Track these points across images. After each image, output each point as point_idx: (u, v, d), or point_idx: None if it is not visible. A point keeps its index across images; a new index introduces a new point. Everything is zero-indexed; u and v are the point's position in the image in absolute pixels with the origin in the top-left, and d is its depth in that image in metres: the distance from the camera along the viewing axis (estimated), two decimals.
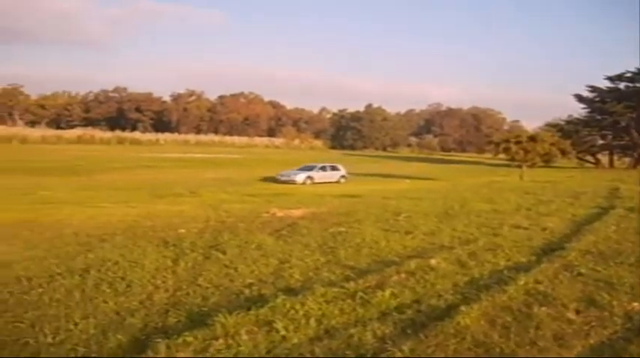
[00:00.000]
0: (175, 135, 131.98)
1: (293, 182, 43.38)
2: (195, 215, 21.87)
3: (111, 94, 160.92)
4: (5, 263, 12.67)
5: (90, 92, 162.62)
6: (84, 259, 12.42)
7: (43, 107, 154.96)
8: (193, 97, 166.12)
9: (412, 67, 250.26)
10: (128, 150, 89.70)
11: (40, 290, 9.38)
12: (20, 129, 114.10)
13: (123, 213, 23.29)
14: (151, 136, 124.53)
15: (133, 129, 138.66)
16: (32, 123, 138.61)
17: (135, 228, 18.35)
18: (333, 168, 48.64)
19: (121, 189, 34.74)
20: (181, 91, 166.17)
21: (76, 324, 7.52)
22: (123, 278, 9.94)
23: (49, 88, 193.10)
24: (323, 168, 47.66)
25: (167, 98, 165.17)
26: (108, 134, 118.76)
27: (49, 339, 6.98)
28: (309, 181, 44.35)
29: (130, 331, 7.28)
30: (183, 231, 17.10)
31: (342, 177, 47.52)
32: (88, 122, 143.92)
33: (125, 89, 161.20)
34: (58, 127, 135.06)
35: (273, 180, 44.26)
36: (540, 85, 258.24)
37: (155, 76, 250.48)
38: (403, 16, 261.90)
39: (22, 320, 7.69)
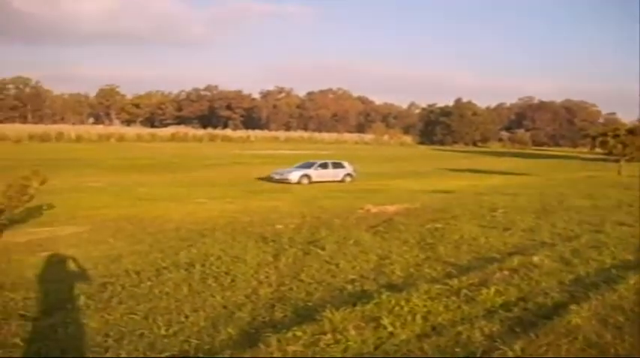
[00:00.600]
0: (265, 132, 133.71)
1: (287, 181, 38.91)
2: (290, 211, 22.11)
3: (202, 93, 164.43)
4: (114, 257, 13.18)
5: (182, 91, 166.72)
6: (187, 254, 12.75)
7: (137, 106, 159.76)
8: (282, 94, 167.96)
9: (503, 61, 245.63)
10: (220, 147, 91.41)
11: (149, 283, 9.68)
12: (117, 128, 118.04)
13: (220, 208, 23.79)
14: (241, 133, 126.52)
15: (224, 126, 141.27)
16: (128, 122, 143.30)
17: (233, 224, 18.71)
18: (337, 166, 43.17)
19: (215, 185, 35.46)
20: (271, 88, 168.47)
21: (186, 317, 7.73)
22: (227, 273, 10.15)
23: (143, 87, 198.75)
24: (323, 166, 42.37)
25: (257, 95, 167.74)
26: (200, 132, 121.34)
27: (163, 331, 7.19)
28: (305, 180, 39.63)
29: (239, 324, 7.43)
30: (280, 226, 17.31)
31: (348, 175, 42.21)
32: (181, 120, 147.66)
33: (216, 87, 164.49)
34: (152, 126, 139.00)
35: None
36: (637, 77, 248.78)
37: (245, 74, 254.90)
38: (492, 10, 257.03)
39: (136, 312, 7.95)
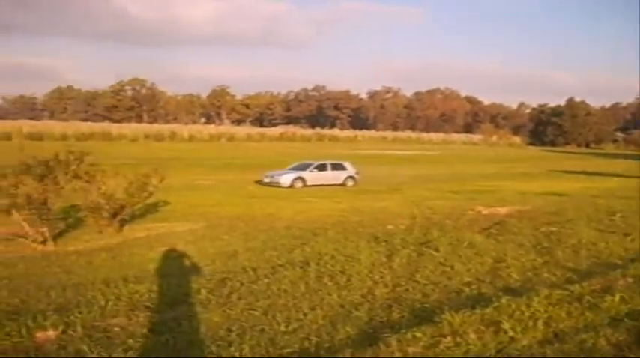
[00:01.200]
0: (372, 132, 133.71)
1: (277, 184, 34.75)
2: (399, 211, 22.01)
3: (310, 93, 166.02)
4: (231, 253, 13.53)
5: (290, 91, 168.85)
6: (301, 252, 12.92)
7: (247, 106, 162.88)
8: (390, 94, 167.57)
9: (618, 59, 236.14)
10: (327, 147, 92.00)
11: (267, 280, 9.86)
12: (227, 128, 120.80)
13: (328, 207, 23.98)
14: (349, 133, 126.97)
15: (332, 126, 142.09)
16: (238, 122, 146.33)
17: (343, 223, 18.81)
18: (336, 167, 38.42)
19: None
20: (378, 88, 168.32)
21: (305, 314, 7.82)
22: (342, 272, 10.20)
23: (252, 88, 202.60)
24: (321, 167, 37.68)
25: (364, 95, 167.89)
26: (308, 131, 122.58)
27: (282, 327, 7.30)
28: (299, 184, 35.21)
29: (357, 324, 7.45)
30: (391, 227, 17.27)
31: (350, 178, 37.55)
32: (289, 120, 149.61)
33: (324, 87, 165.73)
34: (261, 125, 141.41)
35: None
36: None
37: (352, 74, 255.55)
38: (606, 5, 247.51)
39: (255, 308, 8.11)
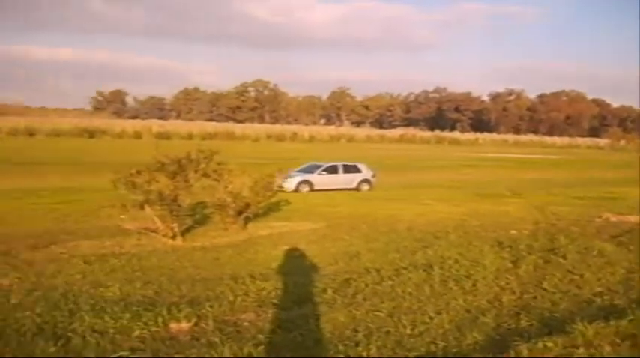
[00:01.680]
0: (494, 135, 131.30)
1: (280, 188, 30.00)
2: (522, 216, 21.42)
3: (431, 95, 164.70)
4: (353, 254, 13.61)
5: (411, 93, 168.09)
6: (424, 255, 12.82)
7: (367, 108, 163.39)
8: (513, 96, 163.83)
9: None
10: (447, 150, 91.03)
11: (390, 282, 9.85)
12: (347, 129, 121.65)
13: (448, 211, 23.69)
14: (469, 136, 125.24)
15: (452, 128, 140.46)
16: (357, 124, 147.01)
17: (464, 227, 18.55)
18: (349, 169, 34.32)
19: (443, 187, 35.34)
20: (500, 90, 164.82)
21: (431, 318, 7.76)
22: (467, 277, 10.05)
23: (372, 89, 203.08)
24: (331, 169, 33.64)
25: (486, 97, 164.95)
26: (427, 134, 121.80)
27: (408, 330, 7.28)
28: (305, 188, 31.43)
29: (484, 330, 7.33)
30: (514, 232, 16.87)
31: (365, 181, 33.84)
32: (409, 122, 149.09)
33: (445, 89, 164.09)
34: (381, 127, 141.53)
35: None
36: None
37: (474, 76, 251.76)
38: None
39: (381, 310, 8.13)
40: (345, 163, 35.12)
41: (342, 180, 33.16)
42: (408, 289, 9.34)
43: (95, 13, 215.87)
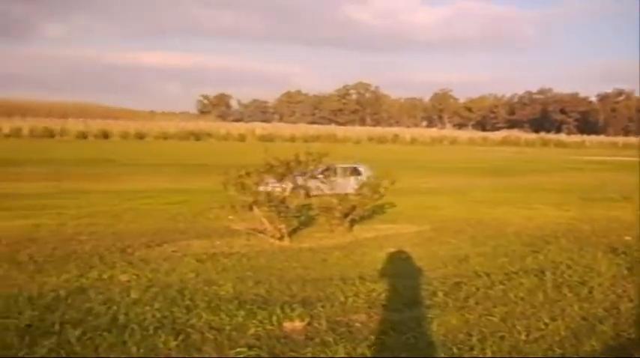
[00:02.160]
0: (601, 137, 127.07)
1: None
2: (632, 221, 20.69)
3: (535, 96, 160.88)
4: (461, 257, 13.49)
5: (515, 94, 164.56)
6: (534, 260, 12.59)
7: (469, 110, 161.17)
8: (622, 97, 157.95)
9: None
10: (552, 152, 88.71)
11: (502, 286, 9.70)
12: (449, 131, 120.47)
13: (556, 215, 23.13)
14: (575, 138, 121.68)
15: (558, 130, 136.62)
16: (459, 126, 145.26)
17: (574, 232, 18.06)
18: (348, 172, 29.94)
19: (548, 190, 34.52)
20: (609, 90, 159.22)
21: (545, 324, 7.60)
22: (582, 283, 9.79)
23: (475, 91, 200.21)
24: (328, 172, 27.28)
25: (593, 98, 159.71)
26: (532, 136, 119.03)
27: (523, 336, 7.16)
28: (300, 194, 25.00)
29: (602, 338, 7.12)
30: (628, 238, 16.29)
31: None
32: (512, 124, 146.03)
33: (550, 90, 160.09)
34: (484, 129, 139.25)
35: None
36: None
37: (581, 75, 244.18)
38: None
39: (493, 315, 8.02)
40: (344, 165, 31.07)
41: (341, 184, 27.10)
42: (520, 294, 9.17)
43: (201, 19, 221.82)
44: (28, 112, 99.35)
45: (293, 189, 23.53)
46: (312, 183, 24.85)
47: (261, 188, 25.48)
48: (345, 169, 30.22)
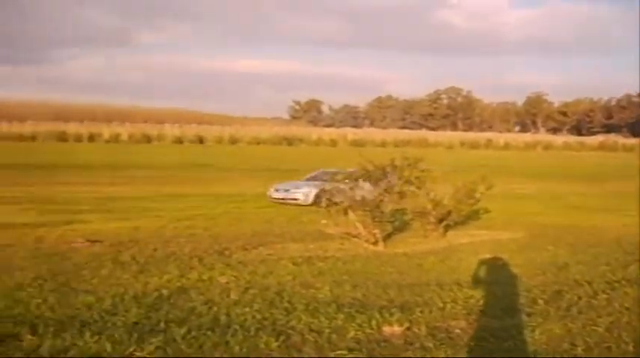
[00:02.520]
0: None
1: (292, 201, 26.04)
2: None
3: (635, 99, 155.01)
4: (561, 265, 13.18)
5: (612, 97, 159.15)
6: (637, 269, 12.21)
7: (564, 114, 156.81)
8: None
9: None
10: None
11: (605, 295, 9.43)
12: (543, 136, 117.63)
13: None
14: None
15: None
16: (554, 130, 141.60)
17: None
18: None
19: None
20: None
21: None
22: None
23: (570, 94, 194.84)
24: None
25: None
26: (631, 140, 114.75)
27: (631, 347, 6.91)
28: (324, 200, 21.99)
29: None
30: None
31: None
32: (610, 128, 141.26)
33: None
34: (579, 134, 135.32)
35: None
36: None
37: None
38: None
39: (597, 325, 7.79)
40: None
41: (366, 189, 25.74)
42: (626, 304, 8.92)
43: (295, 27, 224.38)
44: (127, 118, 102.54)
45: (317, 194, 24.89)
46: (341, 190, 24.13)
47: (278, 194, 26.40)
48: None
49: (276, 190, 27.10)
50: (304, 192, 26.06)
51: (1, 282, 11.00)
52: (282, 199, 26.31)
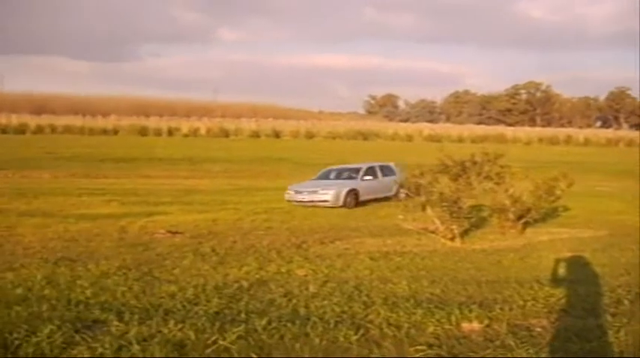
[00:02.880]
0: None
1: (317, 203, 24.34)
2: None
3: None
4: None
5: None
6: None
7: None
8: None
9: None
10: None
11: None
12: (626, 132, 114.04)
13: None
14: None
15: None
16: (638, 126, 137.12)
17: None
18: (385, 171, 27.12)
19: None
20: None
21: None
22: None
23: None
24: (371, 172, 26.56)
25: None
26: None
27: None
28: (352, 200, 24.63)
29: None
30: None
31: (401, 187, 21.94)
32: None
33: None
34: None
35: None
36: None
37: None
38: None
39: None
40: (381, 164, 28.24)
41: (384, 185, 25.96)
42: None
43: (372, 22, 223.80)
44: (206, 113, 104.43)
45: (347, 194, 24.48)
46: (362, 186, 25.49)
47: (300, 197, 24.68)
48: (382, 168, 27.55)
49: (298, 192, 25.17)
50: (334, 193, 24.62)
51: (88, 270, 11.40)
52: (310, 201, 24.45)
